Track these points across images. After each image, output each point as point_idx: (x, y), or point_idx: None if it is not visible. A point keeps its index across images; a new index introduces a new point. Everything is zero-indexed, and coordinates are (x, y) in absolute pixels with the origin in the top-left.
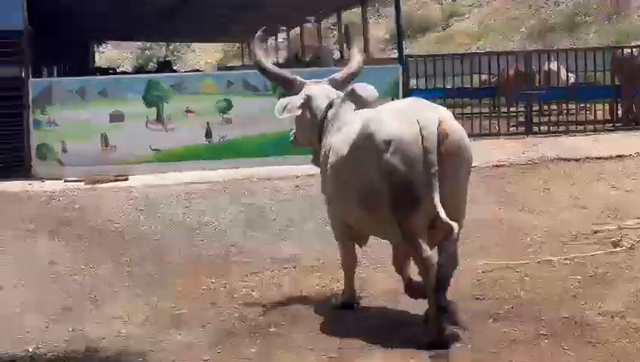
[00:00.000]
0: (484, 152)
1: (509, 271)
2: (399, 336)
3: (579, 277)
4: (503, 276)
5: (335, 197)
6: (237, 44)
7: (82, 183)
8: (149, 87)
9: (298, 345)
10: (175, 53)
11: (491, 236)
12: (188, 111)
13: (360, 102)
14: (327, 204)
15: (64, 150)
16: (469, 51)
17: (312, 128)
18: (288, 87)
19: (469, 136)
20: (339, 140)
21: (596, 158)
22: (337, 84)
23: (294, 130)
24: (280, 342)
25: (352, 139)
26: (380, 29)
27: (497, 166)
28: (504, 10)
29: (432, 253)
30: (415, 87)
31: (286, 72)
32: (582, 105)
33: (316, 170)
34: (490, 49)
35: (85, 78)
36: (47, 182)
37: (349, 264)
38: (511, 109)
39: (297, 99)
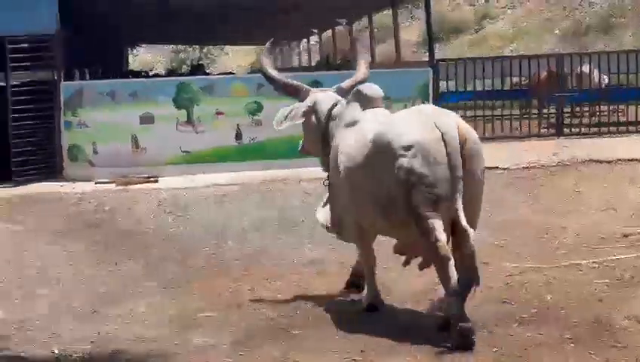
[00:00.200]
0: (515, 154)
1: (537, 273)
2: (423, 339)
3: (606, 280)
4: (530, 279)
5: (349, 200)
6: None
7: (113, 185)
8: (180, 90)
9: (321, 348)
10: (208, 55)
11: (520, 238)
12: (218, 113)
13: (366, 101)
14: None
15: (95, 151)
16: (501, 54)
17: (317, 134)
18: (294, 95)
19: (500, 138)
20: (351, 142)
21: (628, 160)
22: (343, 93)
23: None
24: (302, 344)
25: (366, 145)
26: (413, 32)
27: (528, 168)
28: (538, 11)
29: (449, 250)
30: (445, 90)
31: (292, 80)
32: (614, 107)
33: None
34: (523, 51)
35: (116, 80)
36: (78, 183)
37: (369, 264)
38: (542, 111)
39: (302, 106)
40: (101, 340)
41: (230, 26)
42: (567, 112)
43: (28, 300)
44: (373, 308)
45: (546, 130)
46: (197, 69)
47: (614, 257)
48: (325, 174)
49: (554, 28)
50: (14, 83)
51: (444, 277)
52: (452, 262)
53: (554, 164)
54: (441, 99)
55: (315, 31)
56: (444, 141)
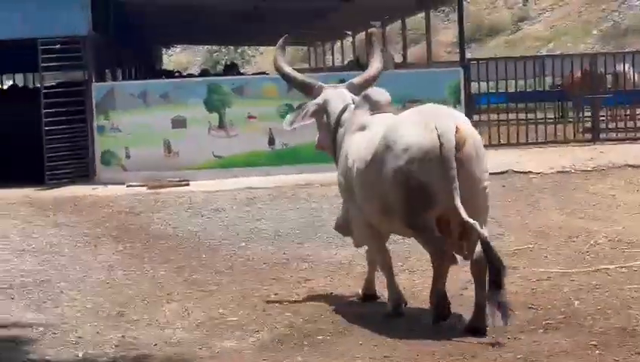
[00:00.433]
0: (550, 159)
1: (565, 279)
2: (447, 344)
3: (635, 286)
4: (558, 284)
5: (359, 200)
6: (304, 48)
7: (145, 188)
8: (211, 91)
9: (344, 353)
10: (244, 56)
11: (550, 243)
12: (250, 117)
13: (374, 106)
14: (345, 205)
15: (127, 156)
16: (539, 54)
17: (328, 131)
18: (307, 92)
19: (533, 143)
20: (361, 144)
21: None
22: (355, 89)
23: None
24: (327, 350)
25: (375, 144)
26: (449, 33)
27: (562, 172)
28: (576, 13)
29: (449, 249)
30: (477, 91)
31: (305, 77)
32: None
33: None
34: (560, 53)
35: (147, 81)
36: (110, 186)
37: (387, 265)
38: (579, 114)
39: (311, 105)
40: (125, 344)
41: (265, 27)
42: (603, 116)
43: (56, 302)
44: (398, 312)
45: (582, 134)
46: (230, 69)
47: None
48: None
49: (592, 29)
50: (47, 85)
51: (436, 273)
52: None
53: (589, 169)
54: (473, 101)
55: (349, 32)
56: (440, 142)
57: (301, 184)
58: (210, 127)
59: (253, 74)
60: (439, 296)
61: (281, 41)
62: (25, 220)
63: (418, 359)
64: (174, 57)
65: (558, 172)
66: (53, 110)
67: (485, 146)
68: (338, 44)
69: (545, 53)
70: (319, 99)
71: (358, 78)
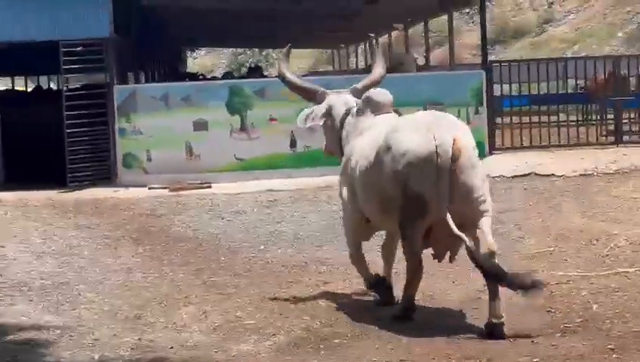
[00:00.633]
0: (573, 162)
1: (584, 282)
2: (464, 348)
3: None
4: (576, 287)
5: (361, 198)
6: (328, 50)
7: (166, 190)
8: (232, 94)
9: (361, 357)
10: (268, 59)
11: (570, 246)
12: (272, 119)
13: (377, 107)
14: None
15: (149, 158)
16: (561, 56)
17: (334, 136)
18: (310, 98)
19: (556, 146)
20: (365, 144)
21: None
22: (358, 93)
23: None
24: (343, 353)
25: (377, 145)
26: (473, 35)
27: (584, 175)
28: (601, 15)
29: (421, 255)
30: (499, 93)
31: (308, 83)
32: None
33: None
34: (585, 54)
35: (168, 84)
36: (132, 189)
37: (358, 258)
38: (603, 117)
39: (320, 109)
40: (142, 347)
41: (289, 29)
42: (626, 118)
43: (74, 305)
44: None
45: (604, 137)
46: (254, 72)
47: None
48: None
49: (617, 31)
50: (71, 87)
51: (411, 276)
52: (421, 264)
53: (611, 172)
54: (495, 104)
55: (373, 35)
56: (437, 153)
57: (322, 186)
58: (232, 130)
59: (275, 76)
60: (409, 301)
61: (285, 49)
62: (46, 222)
63: None
64: (199, 60)
65: (581, 175)
66: (74, 112)
67: (508, 149)
68: (362, 46)
69: (569, 56)
70: (324, 105)
71: (361, 83)
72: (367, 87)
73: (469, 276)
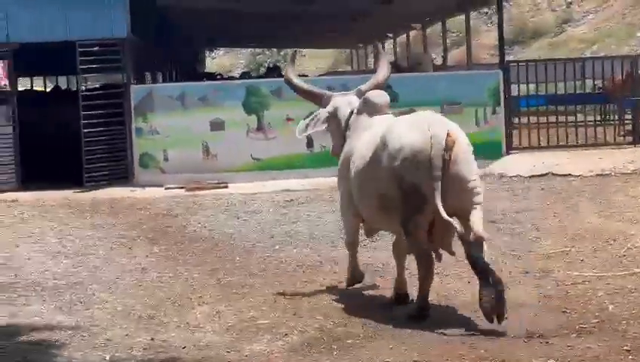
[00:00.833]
0: (590, 162)
1: (600, 282)
2: (478, 348)
3: None
4: (592, 288)
5: (357, 197)
6: (347, 50)
7: (183, 190)
8: (249, 94)
9: (374, 357)
10: (287, 58)
11: (587, 246)
12: (288, 119)
13: (373, 108)
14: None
15: (166, 158)
16: (578, 56)
17: (340, 137)
18: (316, 101)
19: (574, 146)
20: (361, 144)
21: None
22: (363, 95)
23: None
24: (356, 354)
25: (374, 145)
26: (492, 35)
27: (602, 175)
28: (619, 15)
29: (430, 251)
30: (517, 93)
31: (314, 88)
32: None
33: None
34: (604, 55)
35: (185, 83)
36: (148, 189)
37: (352, 249)
38: (621, 117)
39: (323, 113)
40: (154, 347)
41: (307, 29)
42: None
43: (87, 304)
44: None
45: (622, 137)
46: (272, 72)
47: None
48: None
49: (636, 31)
50: (89, 87)
51: (423, 274)
52: (431, 259)
53: (629, 172)
54: (512, 104)
55: (390, 35)
56: (431, 143)
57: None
58: (249, 130)
59: None
60: (424, 300)
61: (291, 54)
62: (62, 222)
63: None
64: (217, 60)
65: (598, 175)
66: (91, 112)
67: (525, 149)
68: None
69: (588, 56)
70: (329, 107)
71: (366, 85)
72: (371, 89)
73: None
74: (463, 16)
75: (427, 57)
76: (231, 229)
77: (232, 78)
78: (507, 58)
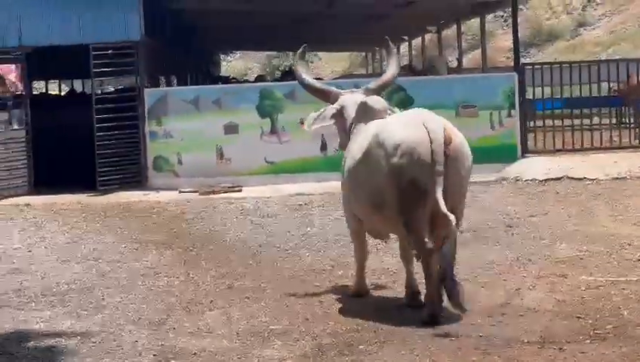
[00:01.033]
0: (606, 165)
1: (614, 287)
2: (492, 354)
3: None
4: (607, 293)
5: (352, 198)
6: (362, 53)
7: (196, 194)
8: (263, 97)
9: None
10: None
11: (602, 251)
12: (302, 122)
13: (371, 113)
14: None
15: (179, 162)
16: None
17: (346, 135)
18: (324, 98)
19: (590, 149)
20: (354, 146)
21: None
22: (371, 93)
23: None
24: (368, 360)
25: (365, 146)
26: (508, 38)
27: (617, 178)
28: (635, 18)
29: (433, 246)
30: (532, 96)
31: (323, 85)
32: None
33: None
34: (619, 57)
35: (199, 87)
36: (162, 192)
37: (361, 261)
38: (634, 120)
39: (330, 110)
40: (164, 353)
41: (323, 32)
42: None
43: (97, 310)
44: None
45: (638, 140)
46: (288, 75)
47: None
48: None
49: None
50: (105, 90)
51: (427, 270)
52: (435, 256)
53: None
54: (528, 107)
55: (406, 38)
56: (430, 139)
57: None
58: (263, 133)
59: None
60: (433, 304)
61: (300, 50)
62: (74, 226)
63: None
64: (233, 63)
65: (614, 178)
66: (105, 116)
67: (541, 152)
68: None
69: (603, 58)
70: (337, 105)
71: (373, 83)
72: (379, 88)
73: (498, 281)
74: (478, 20)
75: (441, 60)
76: (244, 233)
77: (247, 81)
78: (523, 61)
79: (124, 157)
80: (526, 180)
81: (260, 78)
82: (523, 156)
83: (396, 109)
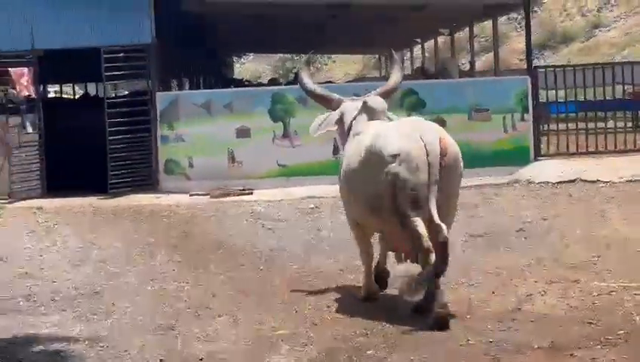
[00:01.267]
0: (619, 168)
1: (627, 293)
2: (502, 359)
3: None
4: (619, 299)
5: (350, 200)
6: (376, 56)
7: (207, 197)
8: (275, 101)
9: None
10: (316, 64)
11: (614, 255)
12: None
13: (372, 113)
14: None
15: (191, 165)
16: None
17: (345, 141)
18: (327, 105)
19: (603, 152)
20: (351, 150)
21: None
22: None
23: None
24: None
25: (362, 153)
26: (522, 40)
27: (631, 181)
28: None
29: (430, 243)
30: (545, 99)
31: (326, 92)
32: None
33: None
34: (634, 59)
35: (211, 90)
36: (173, 195)
37: (367, 264)
38: None
39: (334, 116)
40: (171, 358)
41: (336, 36)
42: None
43: (106, 314)
44: (370, 298)
45: None
46: None
47: None
48: None
49: None
50: (115, 93)
51: (427, 267)
52: (433, 255)
53: None
54: (541, 110)
55: (419, 40)
56: (426, 150)
57: None
58: (275, 137)
59: (325, 82)
60: (443, 309)
61: (305, 58)
62: (85, 229)
63: None
64: (247, 66)
65: (628, 181)
66: (116, 120)
67: (554, 155)
68: (409, 52)
69: (617, 61)
70: (338, 111)
71: (376, 91)
72: (382, 95)
73: (509, 286)
74: (485, 22)
75: (453, 63)
76: (254, 237)
77: (260, 84)
78: (537, 63)
79: (135, 161)
80: (538, 183)
81: (272, 81)
82: (536, 159)
83: (394, 116)
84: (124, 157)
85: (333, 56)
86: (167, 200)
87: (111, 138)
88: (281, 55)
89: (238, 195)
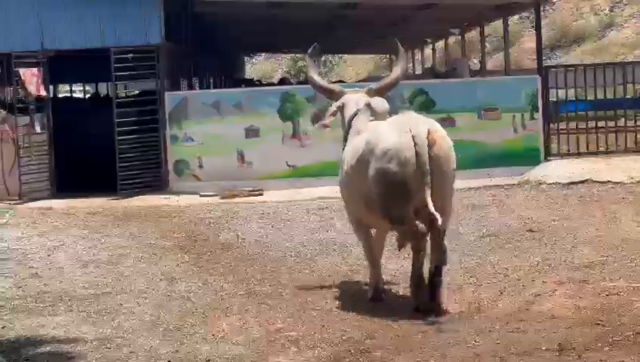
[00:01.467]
0: (630, 168)
1: (636, 294)
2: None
3: None
4: (628, 300)
5: (348, 197)
6: (387, 56)
7: (217, 197)
8: (284, 100)
9: None
10: (327, 64)
11: (624, 256)
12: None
13: (374, 114)
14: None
15: (200, 166)
16: (618, 61)
17: (345, 131)
18: (330, 96)
19: (614, 152)
20: (349, 149)
21: None
22: (373, 94)
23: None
24: None
25: (358, 150)
26: (534, 39)
27: None
28: None
29: (424, 230)
30: (556, 98)
31: (328, 84)
32: None
33: None
34: None
35: (220, 90)
36: (183, 196)
37: (372, 257)
38: None
39: (332, 108)
40: (178, 359)
41: (347, 35)
42: None
43: (113, 315)
44: (379, 295)
45: None
46: None
47: None
48: None
49: None
50: (126, 93)
51: (417, 248)
52: (426, 239)
53: None
54: (551, 109)
55: (429, 40)
56: (415, 143)
57: None
58: (284, 137)
59: (335, 81)
60: (419, 279)
61: (310, 50)
62: (94, 230)
63: None
64: (258, 65)
65: (638, 182)
66: (126, 120)
67: (564, 155)
68: (419, 52)
69: (629, 60)
70: (339, 102)
71: (377, 84)
72: (382, 89)
73: (518, 286)
74: (495, 22)
75: (464, 62)
76: (263, 237)
77: (271, 84)
78: (549, 62)
79: (145, 161)
80: (549, 184)
81: (282, 81)
82: (546, 159)
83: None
84: (133, 157)
85: (344, 56)
86: (176, 200)
87: (120, 138)
88: (293, 55)
89: (248, 196)
